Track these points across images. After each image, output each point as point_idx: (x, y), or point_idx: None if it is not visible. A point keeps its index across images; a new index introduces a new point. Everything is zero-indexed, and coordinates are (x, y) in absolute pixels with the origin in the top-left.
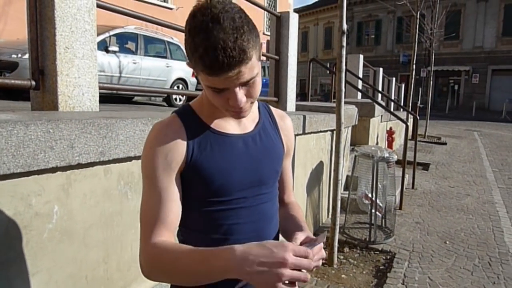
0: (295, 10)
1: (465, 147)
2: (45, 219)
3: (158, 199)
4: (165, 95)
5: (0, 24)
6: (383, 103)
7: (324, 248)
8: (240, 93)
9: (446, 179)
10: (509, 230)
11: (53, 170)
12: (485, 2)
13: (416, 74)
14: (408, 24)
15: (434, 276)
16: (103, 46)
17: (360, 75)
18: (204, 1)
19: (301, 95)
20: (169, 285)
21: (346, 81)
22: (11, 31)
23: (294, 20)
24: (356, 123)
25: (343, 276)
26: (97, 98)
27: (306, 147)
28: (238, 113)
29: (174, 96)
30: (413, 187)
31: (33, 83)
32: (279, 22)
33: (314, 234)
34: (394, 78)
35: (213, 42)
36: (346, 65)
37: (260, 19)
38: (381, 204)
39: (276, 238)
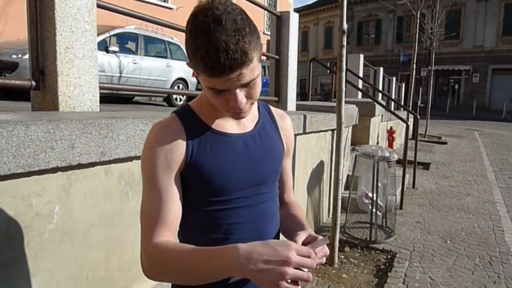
0: (295, 10)
1: (465, 146)
2: (46, 219)
3: (159, 199)
4: (166, 95)
5: (0, 24)
6: (384, 103)
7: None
8: (241, 94)
9: (446, 179)
10: (510, 230)
11: (54, 170)
12: (485, 2)
13: (416, 73)
14: (408, 23)
15: (435, 275)
16: (103, 46)
17: (361, 75)
18: (205, 1)
19: (302, 94)
20: (169, 285)
21: (346, 81)
22: (11, 31)
23: (294, 20)
24: (357, 122)
25: (344, 275)
26: (98, 98)
27: (307, 147)
28: (238, 114)
29: (174, 96)
30: (413, 187)
31: (34, 83)
32: (279, 22)
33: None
34: (394, 78)
35: (215, 43)
36: (346, 64)
37: (260, 19)
38: (381, 203)
39: (277, 237)
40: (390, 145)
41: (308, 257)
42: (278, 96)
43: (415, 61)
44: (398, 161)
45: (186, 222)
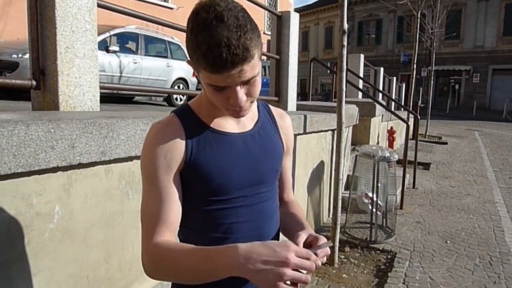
0: (296, 10)
1: (465, 146)
2: (46, 219)
3: (159, 200)
4: (166, 94)
5: (0, 24)
6: (384, 103)
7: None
8: (241, 92)
9: (447, 179)
10: (510, 230)
11: (54, 170)
12: (485, 2)
13: (416, 73)
14: (409, 23)
15: (435, 275)
16: (104, 46)
17: (361, 75)
18: None
19: (302, 94)
20: (170, 285)
21: (347, 81)
22: (11, 31)
23: (295, 20)
24: (357, 122)
25: (344, 275)
26: (98, 98)
27: (307, 147)
28: (237, 112)
29: (174, 96)
30: (414, 187)
31: (34, 83)
32: (280, 22)
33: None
34: (394, 78)
35: (217, 39)
36: (347, 64)
37: (260, 19)
38: (380, 203)
39: (277, 236)
40: (391, 145)
41: (308, 259)
42: (279, 96)
43: (415, 61)
44: (399, 161)
45: (186, 222)
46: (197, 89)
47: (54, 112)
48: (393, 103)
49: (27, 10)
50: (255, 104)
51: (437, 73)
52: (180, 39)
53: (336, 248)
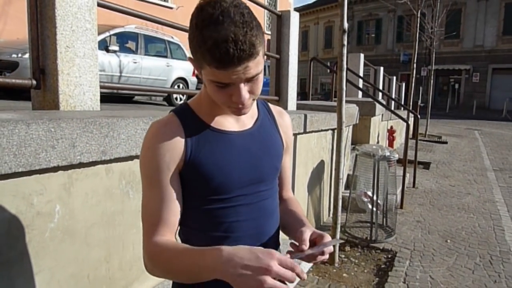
0: (295, 9)
1: (465, 146)
2: (47, 218)
3: (158, 199)
4: (166, 94)
5: (0, 23)
6: (384, 102)
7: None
8: (244, 89)
9: (447, 178)
10: (510, 229)
11: (55, 169)
12: (485, 1)
13: (416, 73)
14: (409, 23)
15: (435, 274)
16: (104, 46)
17: (361, 74)
18: None
19: (302, 94)
20: (170, 285)
21: (347, 80)
22: (11, 30)
23: (295, 19)
24: (357, 122)
25: (344, 275)
26: (98, 97)
27: (307, 146)
28: (239, 110)
29: (174, 96)
30: (414, 186)
31: (34, 82)
32: (280, 21)
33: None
34: (394, 77)
35: (223, 34)
36: (347, 64)
37: (260, 18)
38: (379, 202)
39: (277, 234)
40: (391, 144)
41: (291, 269)
42: (279, 95)
43: (415, 61)
44: (399, 161)
45: (186, 221)
46: (197, 88)
47: (55, 111)
48: (393, 102)
49: (27, 9)
50: (254, 102)
51: (437, 72)
52: (179, 38)
53: (337, 248)
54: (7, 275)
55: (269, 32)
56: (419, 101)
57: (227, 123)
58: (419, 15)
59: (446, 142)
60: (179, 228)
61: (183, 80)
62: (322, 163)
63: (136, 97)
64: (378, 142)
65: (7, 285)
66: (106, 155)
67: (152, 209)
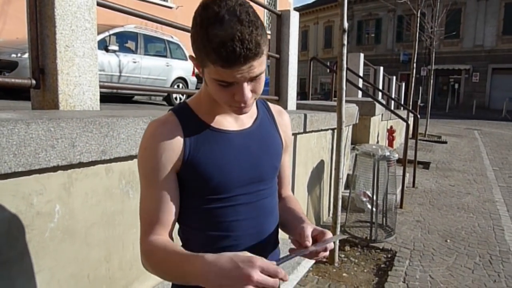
0: (295, 9)
1: (465, 145)
2: (46, 218)
3: (155, 199)
4: (165, 94)
5: None
6: (384, 102)
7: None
8: (247, 88)
9: (446, 178)
10: (510, 229)
11: (55, 169)
12: (485, 1)
13: (416, 72)
14: (409, 22)
15: (435, 274)
16: (103, 45)
17: (361, 74)
18: None
19: (301, 94)
20: (170, 284)
21: (347, 80)
22: (10, 30)
23: (294, 19)
24: (357, 121)
25: (344, 274)
26: (98, 97)
27: (307, 146)
28: (241, 109)
29: (174, 95)
30: (413, 186)
31: (34, 82)
32: (279, 21)
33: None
34: (394, 77)
35: (230, 33)
36: (346, 63)
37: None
38: (378, 202)
39: (276, 232)
40: (390, 144)
41: (275, 275)
42: (279, 95)
43: (415, 60)
44: (398, 160)
45: (186, 220)
46: (196, 88)
47: (54, 111)
48: (392, 102)
49: (26, 9)
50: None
51: (437, 72)
52: (179, 38)
53: (337, 247)
54: (7, 275)
55: (269, 32)
56: (419, 101)
57: (226, 122)
58: (419, 15)
59: (445, 142)
60: (178, 227)
61: (182, 79)
62: (322, 162)
63: (136, 97)
64: (378, 142)
65: (7, 285)
66: (106, 155)
67: (149, 208)
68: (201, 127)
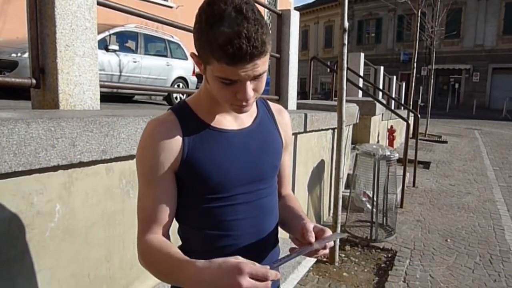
0: (295, 9)
1: (465, 145)
2: (47, 218)
3: (152, 198)
4: (166, 93)
5: None
6: (384, 102)
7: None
8: (250, 87)
9: (447, 177)
10: (510, 228)
11: (55, 168)
12: (486, 1)
13: (416, 72)
14: (409, 22)
15: (435, 274)
16: (103, 45)
17: (361, 74)
18: None
19: (302, 93)
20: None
21: (347, 79)
22: (10, 30)
23: (295, 18)
24: (357, 121)
25: (344, 274)
26: (98, 97)
27: (308, 146)
28: (242, 108)
29: (174, 95)
30: (414, 185)
31: (34, 81)
32: (280, 20)
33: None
34: (394, 77)
35: (237, 30)
36: (347, 63)
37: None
38: (379, 201)
39: (276, 231)
40: (391, 144)
41: (264, 278)
42: (279, 94)
43: (415, 60)
44: (399, 160)
45: (185, 220)
46: (196, 88)
47: (54, 110)
48: (393, 102)
49: (27, 8)
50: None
51: (437, 72)
52: (179, 37)
53: (337, 247)
54: (8, 274)
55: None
56: (419, 101)
57: (226, 121)
58: (419, 15)
59: (446, 142)
60: (178, 226)
61: (183, 79)
62: (322, 162)
63: (136, 97)
64: (378, 142)
65: (8, 285)
66: (106, 154)
67: (146, 207)
68: (201, 126)
